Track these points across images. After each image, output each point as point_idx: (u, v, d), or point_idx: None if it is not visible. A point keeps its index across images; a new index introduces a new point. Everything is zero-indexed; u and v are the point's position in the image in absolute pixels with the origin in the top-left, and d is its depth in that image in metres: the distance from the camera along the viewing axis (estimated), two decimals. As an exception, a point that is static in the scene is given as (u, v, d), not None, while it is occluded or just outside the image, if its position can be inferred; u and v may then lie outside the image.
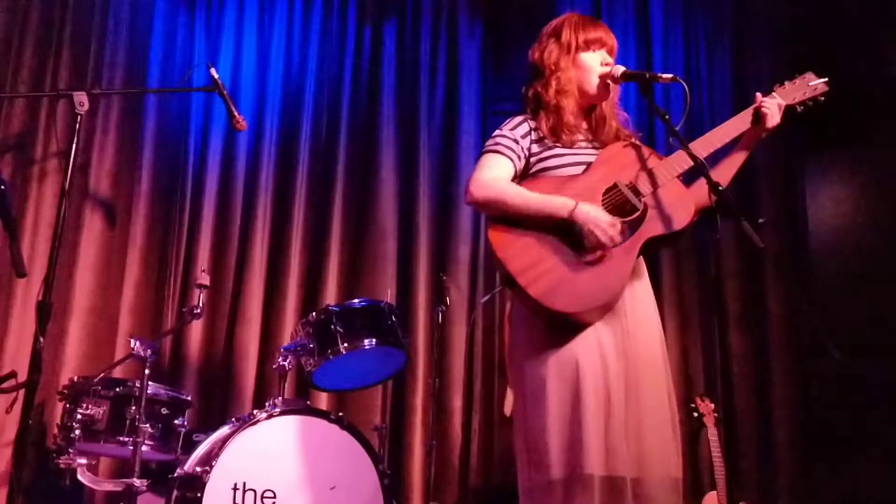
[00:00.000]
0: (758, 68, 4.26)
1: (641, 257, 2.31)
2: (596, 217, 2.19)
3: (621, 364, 2.18)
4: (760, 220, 3.75)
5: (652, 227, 2.24)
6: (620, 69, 2.37)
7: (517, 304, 2.34)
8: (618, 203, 2.26)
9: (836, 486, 3.68)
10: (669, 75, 2.31)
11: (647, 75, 2.34)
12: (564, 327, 2.18)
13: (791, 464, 3.85)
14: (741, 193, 4.13)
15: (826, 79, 2.41)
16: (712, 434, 3.63)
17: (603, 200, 2.27)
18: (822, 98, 2.42)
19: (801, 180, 4.16)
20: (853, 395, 3.68)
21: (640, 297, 2.29)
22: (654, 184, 2.28)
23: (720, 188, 2.19)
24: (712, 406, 3.71)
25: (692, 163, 2.23)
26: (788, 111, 2.40)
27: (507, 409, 3.80)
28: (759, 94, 2.38)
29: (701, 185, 2.35)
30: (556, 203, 2.22)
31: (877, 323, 3.75)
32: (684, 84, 2.26)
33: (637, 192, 2.27)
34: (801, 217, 4.12)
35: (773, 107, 2.35)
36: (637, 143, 2.40)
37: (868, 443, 3.64)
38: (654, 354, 2.24)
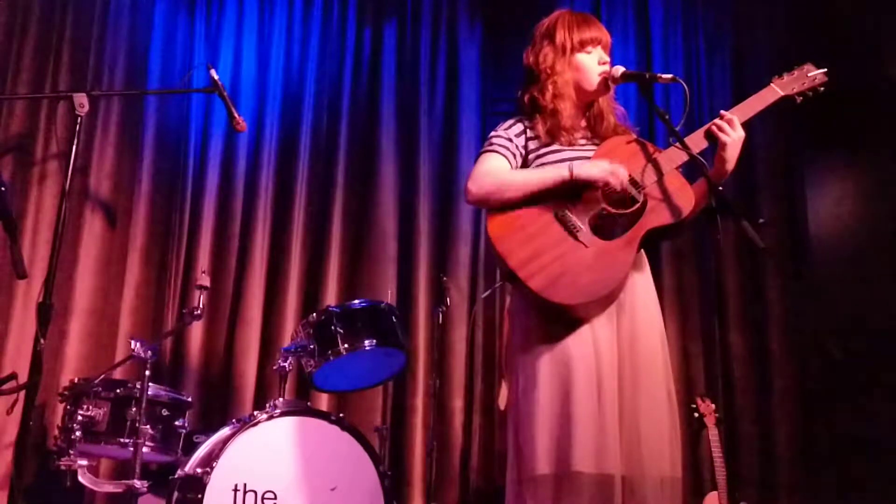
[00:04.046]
0: (758, 68, 4.26)
1: (643, 251, 2.32)
2: (598, 168, 2.23)
3: (617, 360, 2.18)
4: (760, 220, 3.75)
5: (652, 219, 2.25)
6: (620, 70, 2.38)
7: (515, 298, 2.35)
8: (617, 196, 2.27)
9: (836, 485, 3.68)
10: (669, 75, 2.31)
11: (647, 75, 2.35)
12: (561, 321, 2.19)
13: (792, 464, 3.85)
14: (741, 193, 4.13)
15: (825, 69, 2.40)
16: (713, 434, 3.63)
17: (602, 193, 2.27)
18: (822, 88, 2.40)
19: (801, 180, 4.15)
20: (854, 394, 3.68)
21: (641, 291, 2.29)
22: (653, 176, 2.28)
23: (719, 188, 2.20)
24: (713, 406, 3.71)
25: (688, 155, 2.23)
26: (789, 103, 2.40)
27: (502, 403, 3.80)
28: (722, 112, 2.32)
29: (701, 185, 2.36)
30: (553, 172, 2.26)
31: (877, 322, 3.75)
32: (684, 84, 2.26)
33: (636, 185, 2.27)
34: (801, 217, 4.12)
35: (725, 127, 2.28)
36: (636, 136, 2.41)
37: (868, 442, 3.64)
38: (654, 351, 2.24)
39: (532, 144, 2.37)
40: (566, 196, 2.26)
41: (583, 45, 2.40)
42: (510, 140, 2.37)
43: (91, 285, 3.76)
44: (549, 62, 2.40)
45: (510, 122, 2.43)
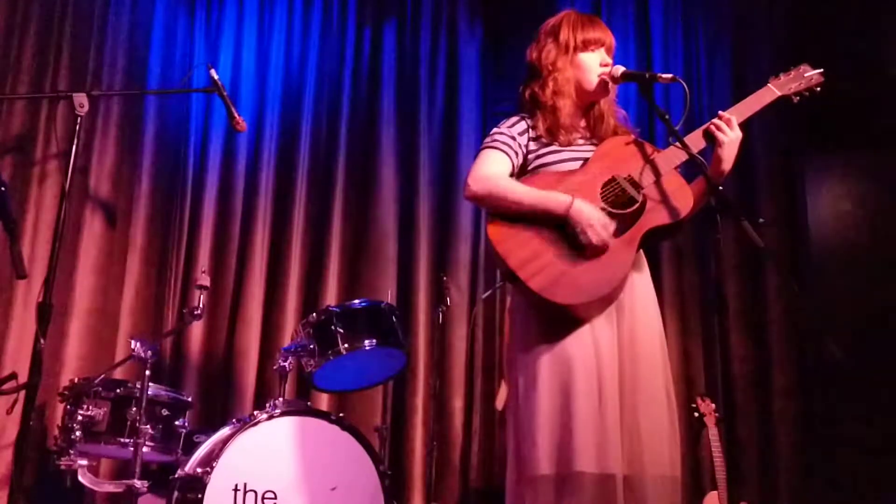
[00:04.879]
0: (758, 68, 4.25)
1: (642, 251, 2.32)
2: (590, 217, 2.20)
3: (617, 361, 2.18)
4: (760, 220, 3.75)
5: (651, 219, 2.25)
6: (620, 69, 2.38)
7: (516, 298, 2.35)
8: (616, 196, 2.27)
9: (836, 485, 3.67)
10: (669, 75, 2.31)
11: (647, 75, 2.35)
12: (561, 322, 2.19)
13: (792, 463, 3.85)
14: (741, 193, 4.13)
15: (821, 70, 2.41)
16: (713, 434, 3.63)
17: (601, 194, 2.27)
18: (818, 89, 2.41)
19: (801, 180, 4.15)
20: (854, 394, 3.68)
21: (640, 292, 2.30)
22: (652, 176, 2.28)
23: (720, 188, 2.20)
24: (713, 406, 3.71)
25: (688, 155, 2.24)
26: (786, 102, 2.40)
27: (499, 404, 3.80)
28: (720, 112, 2.33)
29: (699, 183, 2.36)
30: (553, 200, 2.23)
31: (877, 322, 3.75)
32: (684, 84, 2.27)
33: (635, 185, 2.28)
34: (801, 217, 4.11)
35: (723, 126, 2.29)
36: (635, 137, 2.41)
37: (869, 442, 3.64)
38: (653, 351, 2.25)
39: (533, 145, 2.38)
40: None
41: (586, 45, 2.41)
42: (513, 139, 2.38)
43: (91, 285, 3.76)
44: (552, 59, 2.40)
45: (513, 119, 2.43)
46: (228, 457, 2.93)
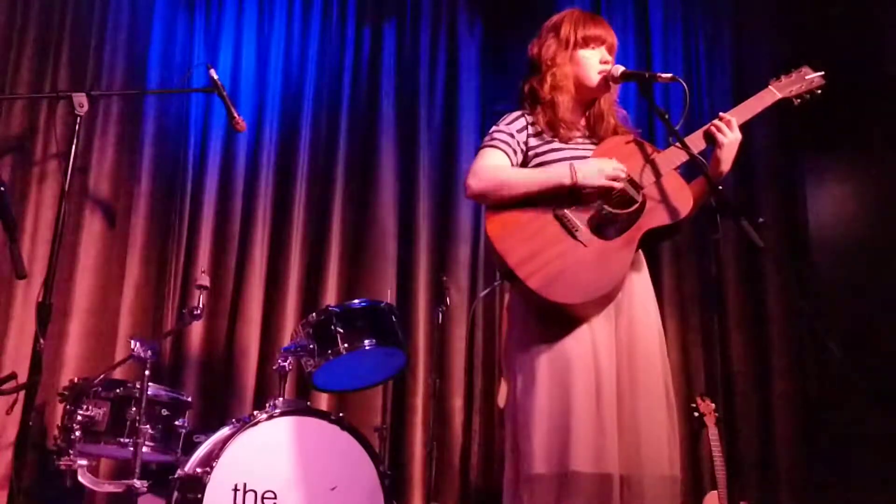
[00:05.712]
0: (758, 68, 4.26)
1: (641, 251, 2.32)
2: (600, 175, 2.22)
3: (615, 360, 2.18)
4: (760, 220, 3.74)
5: (651, 219, 2.25)
6: (620, 69, 2.38)
7: (514, 297, 2.35)
8: (616, 195, 2.27)
9: (836, 485, 3.68)
10: (669, 75, 2.31)
11: (647, 75, 2.35)
12: (560, 321, 2.19)
13: (792, 463, 3.85)
14: (741, 193, 4.13)
15: (822, 72, 2.41)
16: (713, 433, 3.63)
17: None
18: (819, 91, 2.41)
19: (801, 180, 4.15)
20: (853, 394, 3.68)
21: (639, 292, 2.30)
22: (651, 176, 2.29)
23: (720, 188, 2.20)
24: (713, 405, 3.71)
25: (688, 155, 2.24)
26: (786, 105, 2.40)
27: (501, 401, 3.80)
28: (721, 114, 2.34)
29: (699, 184, 2.36)
30: (557, 175, 2.25)
31: (877, 322, 3.75)
32: (684, 84, 2.27)
33: (635, 185, 2.28)
34: (801, 217, 4.11)
35: (723, 127, 2.30)
36: (635, 137, 2.41)
37: (868, 442, 3.64)
38: (652, 350, 2.25)
39: (533, 141, 2.38)
40: (565, 195, 2.26)
41: (586, 42, 2.41)
42: (512, 136, 2.38)
43: (91, 285, 3.76)
44: (551, 54, 2.41)
45: (513, 115, 2.43)
46: (228, 457, 2.93)
